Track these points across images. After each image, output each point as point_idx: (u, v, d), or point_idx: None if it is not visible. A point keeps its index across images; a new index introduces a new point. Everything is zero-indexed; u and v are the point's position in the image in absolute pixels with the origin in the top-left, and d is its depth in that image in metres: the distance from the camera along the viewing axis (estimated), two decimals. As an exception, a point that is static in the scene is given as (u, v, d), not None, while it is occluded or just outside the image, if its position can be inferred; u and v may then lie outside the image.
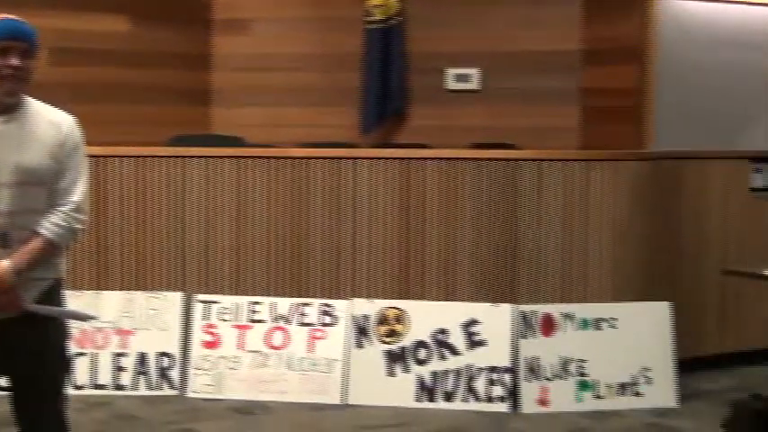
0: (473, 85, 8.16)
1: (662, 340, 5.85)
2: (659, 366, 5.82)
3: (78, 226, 3.46)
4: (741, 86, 7.92)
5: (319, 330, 5.87)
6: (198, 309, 5.93)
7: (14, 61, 3.33)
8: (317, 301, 5.93)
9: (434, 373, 5.77)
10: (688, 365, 6.17)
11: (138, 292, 5.95)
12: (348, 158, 6.05)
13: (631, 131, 7.64)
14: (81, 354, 5.80)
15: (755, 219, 6.62)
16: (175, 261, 6.03)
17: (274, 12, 8.33)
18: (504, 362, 5.75)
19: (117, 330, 5.89)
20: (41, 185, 3.39)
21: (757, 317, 6.65)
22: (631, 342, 5.83)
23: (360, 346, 5.82)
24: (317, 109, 8.19)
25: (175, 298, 5.94)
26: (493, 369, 5.74)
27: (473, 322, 5.82)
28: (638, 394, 5.77)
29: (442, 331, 5.82)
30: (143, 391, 5.81)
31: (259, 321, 5.91)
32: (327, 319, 5.88)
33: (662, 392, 5.78)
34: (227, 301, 5.95)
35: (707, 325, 6.52)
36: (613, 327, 5.86)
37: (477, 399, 5.72)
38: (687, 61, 7.72)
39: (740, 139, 7.80)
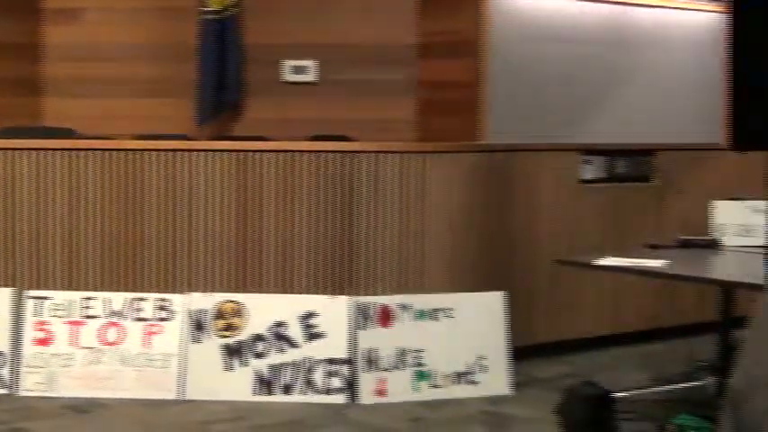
0: (310, 77, 8.16)
1: (497, 329, 5.95)
2: (494, 355, 5.92)
3: None
4: (572, 80, 8.13)
5: (155, 325, 5.79)
6: (29, 305, 5.78)
7: None
8: (152, 296, 5.85)
9: (272, 367, 5.75)
10: (522, 353, 6.30)
11: (-34, 289, 5.77)
12: (184, 151, 5.98)
13: (466, 124, 7.75)
14: None
15: (585, 210, 6.80)
16: (5, 256, 5.86)
17: (107, 1, 8.17)
18: (342, 353, 5.77)
19: (-57, 329, 5.70)
20: None
21: (586, 306, 6.83)
22: (467, 331, 5.92)
23: (197, 340, 5.76)
24: (152, 100, 8.07)
25: (5, 294, 5.78)
26: (331, 361, 5.76)
27: (311, 315, 5.82)
28: (473, 383, 5.86)
29: (280, 324, 5.80)
30: (-29, 390, 5.65)
31: (93, 317, 5.79)
32: (163, 314, 5.80)
33: (497, 380, 5.89)
34: (59, 296, 5.81)
35: (539, 313, 6.66)
36: (450, 317, 5.93)
37: (316, 391, 5.72)
38: (520, 55, 7.88)
39: (570, 132, 8.00)
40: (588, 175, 6.83)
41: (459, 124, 7.81)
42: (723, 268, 5.59)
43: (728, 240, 5.88)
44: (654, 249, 6.01)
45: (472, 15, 7.75)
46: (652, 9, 8.44)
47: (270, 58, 8.13)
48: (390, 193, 6.08)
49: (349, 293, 5.93)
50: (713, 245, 5.84)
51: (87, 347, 5.74)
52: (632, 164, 7.00)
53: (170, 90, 8.06)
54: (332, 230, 6.02)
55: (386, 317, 5.85)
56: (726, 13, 5.79)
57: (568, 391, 5.29)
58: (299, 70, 8.16)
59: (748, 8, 5.42)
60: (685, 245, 5.92)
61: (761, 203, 5.88)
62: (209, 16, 8.01)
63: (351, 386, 5.73)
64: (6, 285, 5.82)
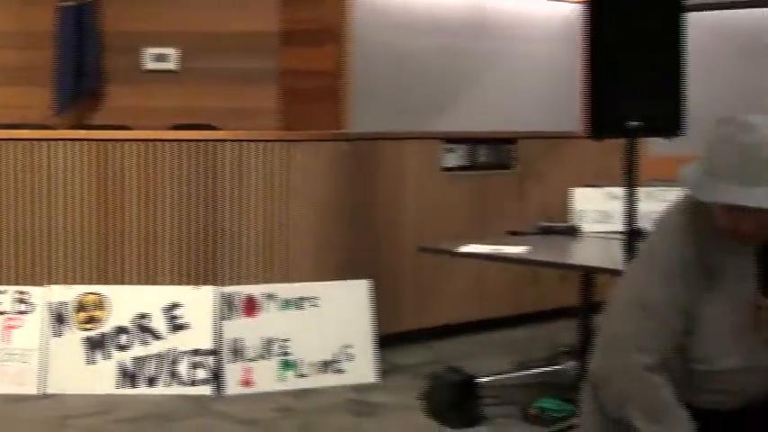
0: (171, 65, 8.06)
1: (362, 317, 5.98)
2: (360, 343, 5.94)
3: None
4: (434, 69, 8.20)
5: (14, 319, 5.65)
6: None
7: None
8: (11, 288, 5.71)
9: (136, 359, 5.67)
10: (388, 341, 6.34)
11: None
12: (42, 140, 5.84)
13: (330, 112, 7.76)
14: None
15: (448, 197, 6.86)
16: None
17: (-40, -14, 7.93)
18: (207, 344, 5.72)
19: None
20: None
21: (451, 292, 6.90)
22: (333, 320, 5.92)
23: (58, 334, 5.65)
24: (9, 89, 7.85)
25: None
26: (196, 352, 5.70)
27: (175, 305, 5.75)
28: (340, 371, 5.88)
29: (144, 316, 5.72)
30: None
31: (-52, 312, 5.63)
32: (23, 307, 5.67)
33: (363, 368, 5.91)
34: None
35: (405, 301, 6.70)
36: (315, 305, 5.93)
37: (181, 383, 5.66)
38: (383, 44, 7.92)
39: (434, 120, 8.07)
40: (451, 163, 6.89)
41: (322, 112, 7.80)
42: (582, 254, 5.70)
43: (587, 226, 6.01)
44: (515, 236, 6.10)
45: (335, 4, 7.76)
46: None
47: (130, 46, 8.00)
48: (254, 182, 6.04)
49: (214, 283, 5.88)
50: (573, 231, 5.96)
51: (-57, 343, 5.58)
52: (493, 152, 7.09)
53: (28, 78, 7.86)
54: (196, 220, 5.96)
55: (251, 307, 5.83)
56: (582, 3, 5.93)
57: (433, 377, 5.34)
58: (160, 58, 8.04)
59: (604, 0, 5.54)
60: (546, 231, 6.02)
61: (618, 190, 6.02)
62: (67, 3, 7.84)
63: (216, 377, 5.69)
64: None
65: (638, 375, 2.84)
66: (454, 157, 6.91)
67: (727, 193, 2.69)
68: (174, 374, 5.67)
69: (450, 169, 6.88)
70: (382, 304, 6.38)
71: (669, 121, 4.82)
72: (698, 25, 8.23)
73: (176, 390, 5.64)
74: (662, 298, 2.84)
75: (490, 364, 6.17)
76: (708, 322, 2.82)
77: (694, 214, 2.86)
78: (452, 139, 6.91)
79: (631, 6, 5.43)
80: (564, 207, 6.30)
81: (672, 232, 2.90)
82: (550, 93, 8.55)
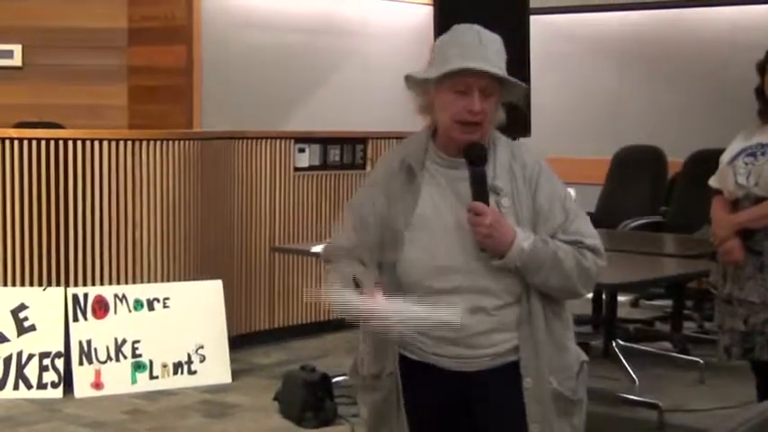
0: (15, 61, 7.86)
1: (215, 318, 5.94)
2: (213, 344, 5.90)
3: None
4: (286, 68, 8.20)
5: None
6: None
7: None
8: None
9: (-18, 363, 5.53)
10: (241, 341, 6.33)
11: None
12: None
13: (180, 111, 7.69)
14: None
15: (300, 197, 6.87)
16: None
17: None
18: (56, 347, 5.61)
19: None
20: None
21: (303, 292, 6.90)
22: (185, 321, 5.87)
23: None
24: None
25: None
26: (44, 355, 5.58)
27: (22, 307, 5.62)
28: (192, 372, 5.83)
29: (-10, 318, 5.58)
30: None
31: None
32: None
33: (216, 369, 5.87)
34: None
35: (258, 301, 6.69)
36: (167, 306, 5.87)
37: (29, 386, 5.54)
38: (233, 42, 7.89)
39: (286, 119, 8.07)
40: (303, 163, 6.90)
41: (172, 111, 7.73)
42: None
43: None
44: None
45: (184, 1, 7.69)
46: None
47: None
48: (103, 181, 5.92)
49: (62, 284, 5.76)
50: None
51: None
52: (345, 151, 7.13)
53: None
54: (43, 219, 5.81)
55: (101, 308, 5.73)
56: (432, 5, 6.01)
57: (288, 376, 5.35)
58: (3, 54, 7.84)
59: (452, 3, 5.64)
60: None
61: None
62: None
63: (66, 380, 5.58)
64: None
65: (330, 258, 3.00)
66: (306, 157, 6.92)
67: (452, 63, 2.82)
68: (22, 378, 5.54)
69: (302, 169, 6.89)
70: (235, 304, 6.37)
71: (515, 123, 4.92)
72: (548, 28, 8.47)
73: (24, 394, 5.52)
74: (360, 202, 2.99)
75: (344, 362, 6.19)
76: (414, 242, 2.85)
77: (416, 136, 3.02)
78: (304, 139, 6.93)
79: (478, 9, 5.54)
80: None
81: (386, 153, 3.13)
82: (402, 93, 8.60)
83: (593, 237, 2.91)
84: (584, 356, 3.01)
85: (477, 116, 2.82)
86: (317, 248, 5.59)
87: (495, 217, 2.79)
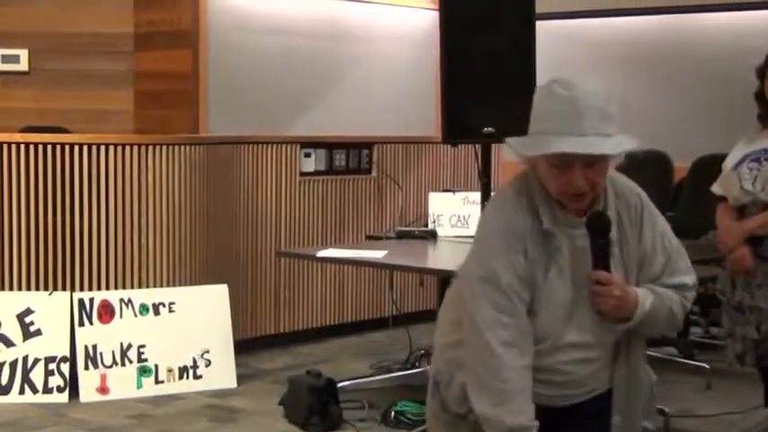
0: (21, 66, 7.87)
1: (220, 322, 5.93)
2: (218, 348, 5.89)
3: None
4: (291, 73, 8.19)
5: None
6: None
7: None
8: None
9: (-13, 367, 5.53)
10: (246, 346, 6.33)
11: None
12: None
13: (186, 116, 7.69)
14: None
15: (306, 202, 6.87)
16: None
17: None
18: (62, 351, 5.61)
19: None
20: None
21: (310, 297, 6.91)
22: (190, 325, 5.86)
23: None
24: None
25: None
26: (50, 359, 5.59)
27: (28, 312, 5.62)
28: (198, 377, 5.82)
29: (-5, 323, 5.59)
30: None
31: None
32: None
33: (222, 374, 5.86)
34: None
35: (263, 306, 6.68)
36: (172, 311, 5.87)
37: (35, 390, 5.54)
38: (239, 47, 7.88)
39: (292, 124, 8.07)
40: (308, 168, 6.90)
41: (178, 116, 7.73)
42: (439, 258, 5.78)
43: (444, 231, 6.09)
44: (373, 240, 6.16)
45: (190, 5, 7.69)
46: (367, 4, 8.60)
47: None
48: (110, 186, 5.93)
49: (68, 289, 5.77)
50: (430, 235, 6.03)
51: None
52: (351, 156, 7.13)
53: None
54: (49, 224, 5.81)
55: (107, 312, 5.73)
56: (438, 10, 6.00)
57: (293, 381, 5.34)
58: (9, 59, 7.84)
59: (457, 7, 5.64)
60: (403, 236, 6.09)
61: (473, 194, 6.13)
62: None
63: (71, 384, 5.58)
64: None
65: (491, 352, 2.76)
66: (312, 162, 6.92)
67: (548, 144, 2.70)
68: (28, 382, 5.54)
69: (308, 174, 6.89)
70: (241, 309, 6.37)
71: (521, 127, 4.92)
72: (553, 33, 8.46)
73: (30, 398, 5.52)
74: (503, 267, 2.77)
75: (350, 367, 6.21)
76: (547, 298, 2.80)
77: (527, 186, 2.84)
78: (310, 144, 6.93)
79: (484, 14, 5.54)
80: (421, 212, 6.38)
81: (505, 204, 2.86)
82: (407, 98, 8.62)
83: (691, 273, 2.92)
84: (653, 376, 3.03)
85: (583, 189, 2.75)
86: (323, 253, 5.60)
87: (623, 288, 2.78)
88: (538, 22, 5.98)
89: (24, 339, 5.60)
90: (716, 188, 4.49)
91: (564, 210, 2.81)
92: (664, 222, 2.92)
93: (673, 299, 2.86)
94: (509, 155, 2.83)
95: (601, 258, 2.76)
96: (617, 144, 2.72)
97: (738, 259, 4.35)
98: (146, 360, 5.75)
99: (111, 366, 5.67)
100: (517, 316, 2.77)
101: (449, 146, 6.57)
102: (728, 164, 4.43)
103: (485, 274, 2.80)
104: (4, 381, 5.52)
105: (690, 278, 2.91)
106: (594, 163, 2.72)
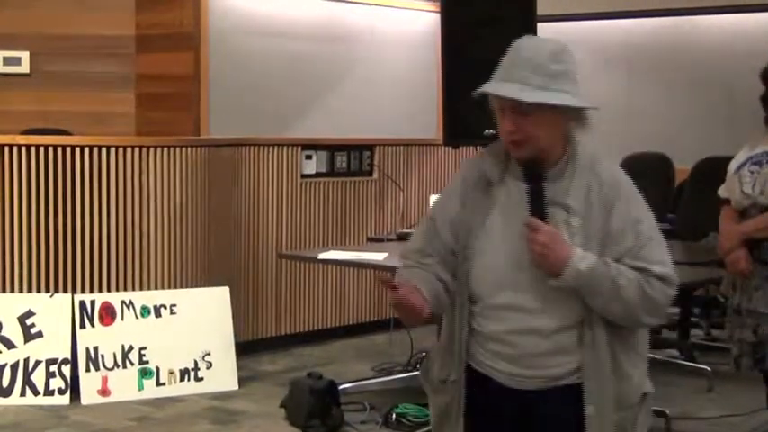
0: (23, 68, 7.87)
1: (222, 324, 5.93)
2: (220, 350, 5.89)
3: None
4: (292, 75, 8.20)
5: None
6: None
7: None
8: None
9: (-11, 369, 5.53)
10: (248, 348, 6.33)
11: None
12: None
13: (187, 118, 7.69)
14: None
15: (307, 204, 6.88)
16: None
17: None
18: (63, 353, 5.61)
19: None
20: None
21: (311, 299, 6.91)
22: (192, 327, 5.86)
23: None
24: None
25: None
26: (51, 361, 5.59)
27: (29, 314, 5.62)
28: (199, 379, 5.83)
29: (-3, 325, 5.59)
30: None
31: None
32: None
33: (223, 376, 5.87)
34: None
35: (265, 308, 6.69)
36: (173, 313, 5.87)
37: (36, 392, 5.54)
38: (240, 49, 7.89)
39: (293, 126, 8.07)
40: (310, 170, 6.91)
41: (179, 118, 7.73)
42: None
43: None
44: (375, 242, 6.15)
45: (191, 8, 7.69)
46: (368, 6, 8.61)
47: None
48: (111, 188, 5.93)
49: (69, 291, 5.77)
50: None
51: None
52: (352, 158, 7.13)
53: None
54: (50, 226, 5.81)
55: (108, 314, 5.74)
56: (439, 13, 6.02)
57: (294, 383, 5.34)
58: (11, 61, 7.85)
59: (458, 10, 5.65)
60: (404, 238, 6.07)
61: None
62: None
63: (73, 387, 5.58)
64: None
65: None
66: (313, 164, 6.92)
67: (485, 87, 2.75)
68: (29, 384, 5.54)
69: (309, 176, 6.89)
70: (242, 311, 6.38)
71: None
72: (555, 36, 8.45)
73: (31, 400, 5.52)
74: (437, 207, 2.94)
75: (351, 369, 6.21)
76: (482, 245, 2.81)
77: (493, 145, 2.90)
78: (311, 146, 6.93)
79: (485, 17, 5.55)
80: (422, 214, 6.37)
81: (468, 160, 3.05)
82: (409, 100, 8.63)
83: (663, 264, 2.81)
84: (648, 388, 2.92)
85: (513, 135, 2.75)
86: (324, 255, 5.60)
87: (552, 235, 2.72)
88: (538, 25, 5.98)
89: (25, 341, 5.60)
90: (722, 191, 4.50)
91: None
92: (646, 213, 2.86)
93: (628, 276, 2.75)
94: None
95: (536, 206, 2.76)
96: (543, 96, 2.71)
97: (734, 261, 4.35)
98: (147, 362, 5.75)
99: (112, 368, 5.67)
100: (434, 248, 2.89)
101: (450, 148, 6.58)
102: (732, 167, 4.44)
103: (428, 212, 3.02)
104: (6, 383, 5.52)
105: (658, 267, 2.79)
106: (528, 113, 2.72)
